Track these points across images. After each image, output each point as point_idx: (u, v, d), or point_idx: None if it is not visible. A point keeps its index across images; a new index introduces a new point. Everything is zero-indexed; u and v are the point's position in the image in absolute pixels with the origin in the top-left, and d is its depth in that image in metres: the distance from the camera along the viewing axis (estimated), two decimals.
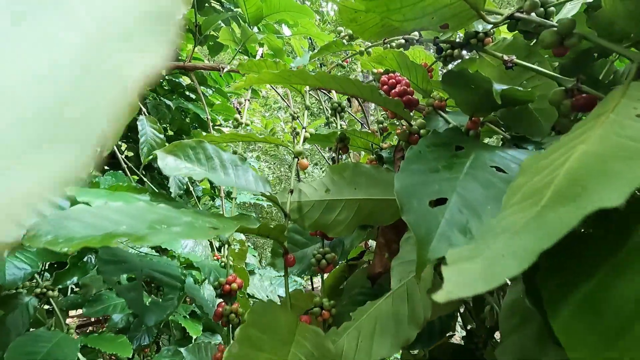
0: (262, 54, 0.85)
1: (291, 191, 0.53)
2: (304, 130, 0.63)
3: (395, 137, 0.90)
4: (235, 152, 0.67)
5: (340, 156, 0.77)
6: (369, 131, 0.88)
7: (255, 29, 1.13)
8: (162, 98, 1.62)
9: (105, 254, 0.57)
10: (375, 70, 0.77)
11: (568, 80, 0.36)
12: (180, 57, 1.93)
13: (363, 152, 0.84)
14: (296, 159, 0.56)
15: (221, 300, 0.58)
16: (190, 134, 2.02)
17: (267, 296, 1.50)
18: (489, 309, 0.62)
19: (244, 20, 1.08)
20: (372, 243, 0.85)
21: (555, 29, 0.37)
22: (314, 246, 0.70)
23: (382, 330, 0.36)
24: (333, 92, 0.86)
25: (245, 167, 0.49)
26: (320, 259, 0.56)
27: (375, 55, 0.65)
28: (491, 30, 0.52)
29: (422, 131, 0.49)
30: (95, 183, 0.68)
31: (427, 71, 0.65)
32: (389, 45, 0.69)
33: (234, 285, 0.56)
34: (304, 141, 0.59)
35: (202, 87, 2.08)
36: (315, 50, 0.70)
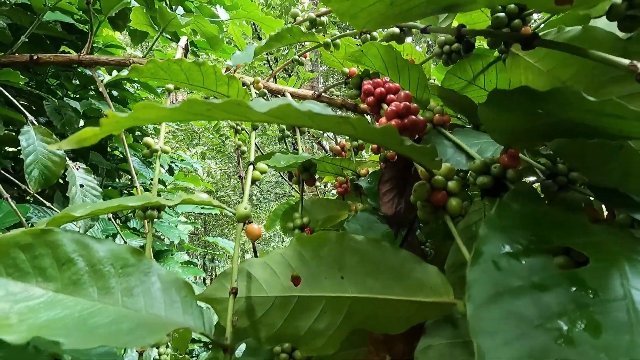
0: (185, 45, 0.60)
1: (234, 292, 0.31)
2: (251, 167, 0.41)
3: (379, 158, 0.71)
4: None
5: (304, 189, 0.56)
6: (337, 150, 0.67)
7: (180, 10, 0.86)
8: (66, 99, 1.28)
9: None
10: (347, 70, 0.56)
11: None
12: (95, 45, 1.57)
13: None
14: (241, 225, 0.35)
15: None
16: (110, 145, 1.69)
17: None
18: None
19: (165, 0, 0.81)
20: None
21: None
22: None
23: None
24: (287, 94, 0.64)
25: (143, 268, 0.27)
26: None
27: (350, 50, 0.44)
28: (531, 16, 0.34)
29: (450, 184, 0.29)
30: None
31: (424, 73, 0.46)
32: (368, 36, 0.49)
33: None
34: (247, 197, 0.37)
35: (126, 82, 1.74)
36: (262, 42, 0.48)
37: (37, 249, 0.24)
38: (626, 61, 0.20)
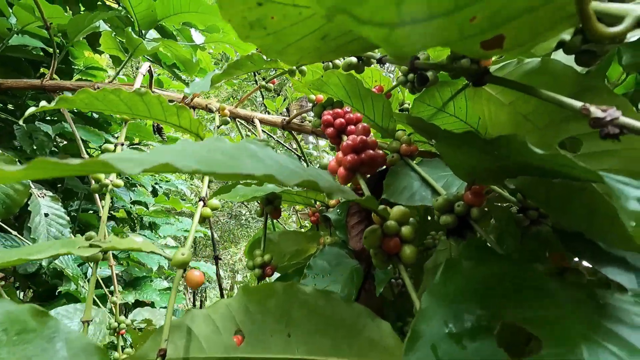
0: (148, 71, 0.58)
1: (163, 354, 0.27)
2: (201, 204, 0.38)
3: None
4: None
5: (269, 220, 0.53)
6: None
7: (152, 34, 0.84)
8: (38, 123, 1.24)
9: None
10: (313, 97, 0.54)
11: None
12: (76, 67, 1.55)
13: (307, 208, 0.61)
14: (181, 272, 0.31)
15: None
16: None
17: None
18: None
19: (133, 24, 0.79)
20: None
21: None
22: None
23: None
24: (256, 121, 0.62)
25: (50, 333, 0.23)
26: None
27: (312, 78, 0.42)
28: None
29: (404, 230, 0.26)
30: None
31: (389, 102, 0.44)
32: (330, 64, 0.47)
33: None
34: (192, 240, 0.33)
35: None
36: (220, 70, 0.46)
37: None
38: (579, 104, 0.18)
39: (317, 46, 0.21)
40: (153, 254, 1.79)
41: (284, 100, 2.19)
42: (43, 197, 0.92)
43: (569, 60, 0.27)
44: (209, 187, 0.42)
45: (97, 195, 0.60)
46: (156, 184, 2.30)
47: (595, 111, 0.17)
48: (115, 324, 0.75)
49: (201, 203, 0.39)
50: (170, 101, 0.44)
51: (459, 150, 0.25)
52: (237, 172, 0.14)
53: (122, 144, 0.49)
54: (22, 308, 0.23)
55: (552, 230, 0.31)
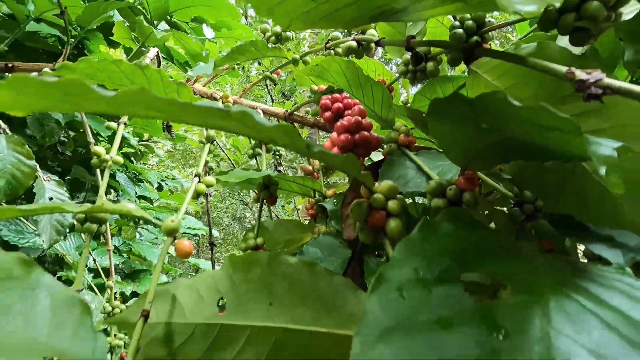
0: (156, 55, 0.59)
1: (144, 316, 0.27)
2: (196, 179, 0.39)
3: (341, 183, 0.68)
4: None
5: (264, 207, 0.53)
6: (308, 170, 0.65)
7: (163, 26, 0.86)
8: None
9: None
10: (315, 88, 0.55)
11: None
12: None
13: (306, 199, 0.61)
14: (171, 239, 0.31)
15: None
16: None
17: None
18: None
19: (145, 15, 0.81)
20: None
21: None
22: None
23: None
24: (259, 111, 0.62)
25: (33, 283, 0.23)
26: None
27: (313, 64, 0.43)
28: (488, 28, 0.32)
29: (390, 204, 0.26)
30: None
31: (388, 91, 0.44)
32: (332, 51, 0.48)
33: None
34: (184, 211, 0.33)
35: None
36: (224, 53, 0.46)
37: None
38: (564, 68, 0.18)
39: (308, 9, 0.22)
40: (153, 245, 1.79)
41: (293, 105, 2.21)
42: (48, 181, 0.93)
43: (567, 45, 0.27)
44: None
45: (98, 171, 0.61)
46: (162, 180, 2.32)
47: (580, 74, 0.17)
48: (110, 308, 0.75)
49: (196, 179, 0.39)
50: None
51: (447, 121, 0.25)
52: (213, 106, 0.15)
53: (125, 123, 0.49)
54: (9, 257, 0.23)
55: (547, 221, 0.30)
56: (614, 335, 0.13)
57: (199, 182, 0.39)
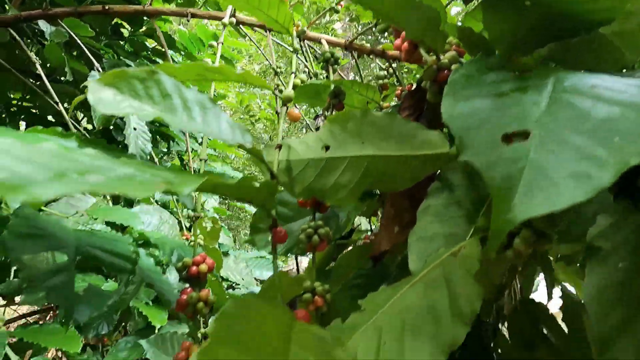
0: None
1: (279, 146, 0.40)
2: (293, 75, 0.51)
3: (395, 99, 0.78)
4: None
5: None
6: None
7: None
8: (122, 58, 1.42)
9: (19, 224, 0.42)
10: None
11: None
12: (145, 19, 1.70)
13: None
14: (285, 108, 0.44)
15: (187, 285, 0.45)
16: None
17: (243, 279, 1.39)
18: (508, 293, 0.54)
19: None
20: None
21: None
22: (302, 220, 0.58)
23: (414, 328, 0.26)
24: (323, 41, 0.73)
25: (216, 110, 0.36)
26: (311, 234, 0.44)
27: None
28: None
29: (453, 66, 0.37)
30: None
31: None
32: None
33: (203, 267, 0.43)
34: (293, 88, 0.46)
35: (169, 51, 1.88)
36: None
37: (149, 82, 0.34)
38: None
39: None
40: (263, 87, 1.99)
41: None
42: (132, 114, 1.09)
43: None
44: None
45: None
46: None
47: None
48: (192, 213, 0.92)
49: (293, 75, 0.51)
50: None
51: (496, 9, 0.35)
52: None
53: None
54: (204, 96, 0.36)
55: None
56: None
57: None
